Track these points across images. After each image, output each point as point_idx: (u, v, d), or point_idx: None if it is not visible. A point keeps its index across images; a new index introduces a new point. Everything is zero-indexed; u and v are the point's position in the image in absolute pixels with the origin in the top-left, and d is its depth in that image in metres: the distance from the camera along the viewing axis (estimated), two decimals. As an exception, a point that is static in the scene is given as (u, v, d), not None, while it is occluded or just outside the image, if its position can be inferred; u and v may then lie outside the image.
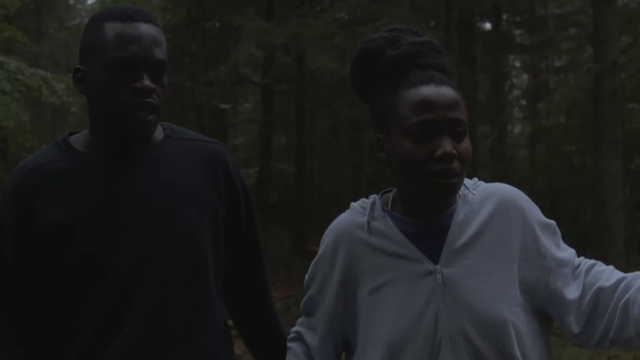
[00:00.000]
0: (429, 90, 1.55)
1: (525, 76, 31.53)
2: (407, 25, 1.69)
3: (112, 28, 1.64)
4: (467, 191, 1.65)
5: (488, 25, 24.42)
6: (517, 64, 30.70)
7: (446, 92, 1.57)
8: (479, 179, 1.77)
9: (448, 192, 1.55)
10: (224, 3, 12.23)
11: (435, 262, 1.57)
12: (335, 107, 14.13)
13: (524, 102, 30.07)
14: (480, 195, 1.65)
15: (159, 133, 1.79)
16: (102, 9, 1.77)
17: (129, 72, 1.63)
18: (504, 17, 23.42)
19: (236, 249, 1.86)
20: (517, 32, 25.04)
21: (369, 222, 1.63)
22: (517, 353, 1.53)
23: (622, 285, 1.54)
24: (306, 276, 1.71)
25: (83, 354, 1.63)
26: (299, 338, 1.75)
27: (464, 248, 1.58)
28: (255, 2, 13.11)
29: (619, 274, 1.58)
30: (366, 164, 18.75)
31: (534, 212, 1.65)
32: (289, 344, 1.75)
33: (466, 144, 1.57)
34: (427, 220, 1.62)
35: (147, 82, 1.63)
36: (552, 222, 1.67)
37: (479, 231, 1.60)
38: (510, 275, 1.57)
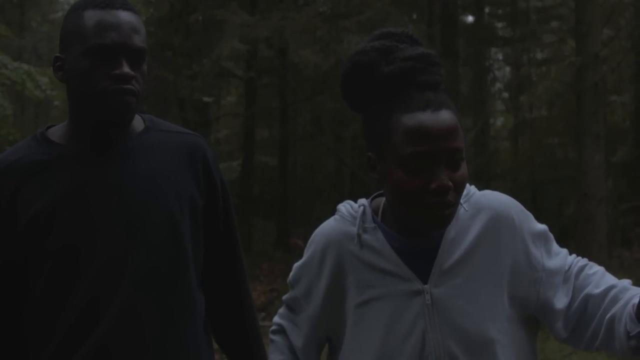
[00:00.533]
0: (426, 118, 1.49)
1: (508, 69, 31.75)
2: (401, 28, 1.62)
3: (91, 15, 1.65)
4: (465, 210, 1.63)
5: (470, 18, 24.53)
6: (500, 57, 30.92)
7: (444, 118, 1.51)
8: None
9: (443, 223, 1.54)
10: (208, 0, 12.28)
11: (425, 281, 1.57)
12: (318, 101, 14.14)
13: (506, 94, 30.26)
14: (472, 210, 1.62)
15: (139, 124, 1.80)
16: (79, 1, 1.76)
17: (108, 58, 1.63)
18: (487, 10, 23.55)
19: (213, 244, 1.86)
20: (499, 25, 25.18)
21: (359, 235, 1.62)
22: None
23: (610, 295, 1.54)
24: (290, 276, 1.72)
25: (67, 342, 1.64)
26: (283, 332, 1.76)
27: (453, 268, 1.58)
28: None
29: (608, 280, 1.58)
30: (349, 157, 18.77)
31: (526, 223, 1.65)
32: (272, 337, 1.76)
33: (462, 170, 1.53)
34: (418, 239, 1.61)
35: (126, 69, 1.63)
36: (544, 228, 1.66)
37: (469, 250, 1.60)
38: (499, 292, 1.59)
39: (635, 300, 1.42)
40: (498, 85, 30.92)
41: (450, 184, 1.48)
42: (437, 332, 1.54)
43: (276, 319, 1.78)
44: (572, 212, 16.05)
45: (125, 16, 1.68)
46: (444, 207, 1.49)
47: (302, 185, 19.47)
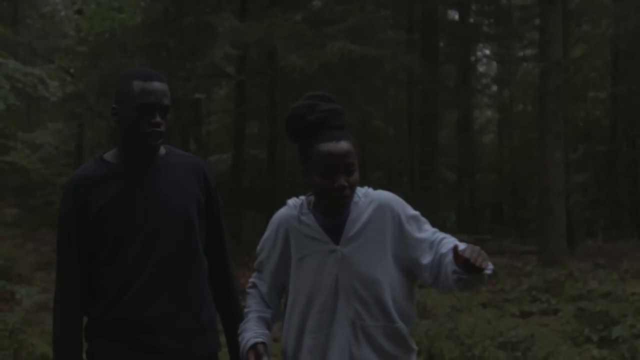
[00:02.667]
0: (332, 146, 2.45)
1: (494, 64, 32.50)
2: (323, 93, 2.64)
3: (138, 84, 2.66)
4: (358, 198, 2.62)
5: (454, 15, 25.09)
6: (487, 52, 31.66)
7: (342, 146, 2.45)
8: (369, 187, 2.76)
9: (342, 206, 2.52)
10: (200, 4, 13.09)
11: (337, 244, 2.55)
12: (305, 100, 14.99)
13: (491, 89, 31.02)
14: (367, 201, 2.59)
15: (162, 151, 2.82)
16: (130, 70, 2.78)
17: (148, 112, 2.65)
18: (473, 7, 24.08)
19: (209, 226, 2.87)
20: (485, 21, 25.63)
21: (299, 216, 2.61)
22: (388, 298, 2.57)
23: (450, 252, 2.55)
24: (258, 247, 2.74)
25: (118, 297, 2.65)
26: (255, 286, 2.76)
27: (354, 236, 2.55)
28: (230, 0, 13.98)
29: (451, 244, 2.59)
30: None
31: (402, 209, 2.61)
32: (248, 290, 2.79)
33: (355, 176, 2.49)
34: (332, 218, 2.62)
35: (158, 119, 2.66)
36: (416, 213, 2.68)
37: (364, 225, 2.56)
38: (384, 251, 2.55)
39: (455, 248, 2.38)
40: (484, 80, 31.67)
41: (346, 184, 2.46)
42: (345, 274, 2.56)
43: (250, 280, 2.81)
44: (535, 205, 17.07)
45: (158, 85, 2.66)
46: (343, 197, 2.49)
47: (290, 178, 20.40)
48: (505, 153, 29.57)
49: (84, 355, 2.67)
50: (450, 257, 2.45)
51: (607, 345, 7.05)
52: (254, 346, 2.51)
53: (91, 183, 2.69)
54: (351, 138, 2.53)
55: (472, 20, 24.58)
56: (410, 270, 2.62)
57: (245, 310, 2.72)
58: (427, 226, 2.67)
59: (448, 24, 22.35)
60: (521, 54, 26.86)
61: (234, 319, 2.82)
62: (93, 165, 2.76)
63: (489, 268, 2.36)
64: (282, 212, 2.69)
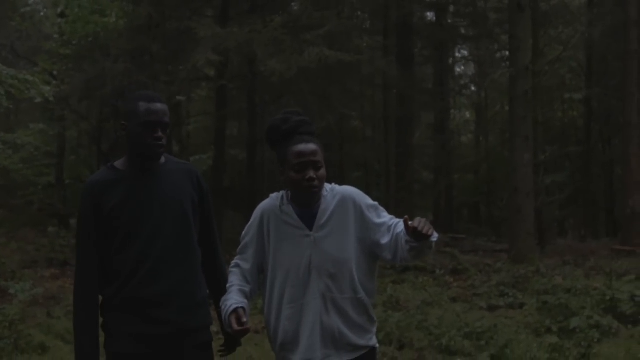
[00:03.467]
0: (302, 147, 3.04)
1: (473, 65, 33.15)
2: (296, 109, 3.28)
3: (143, 105, 3.26)
4: (326, 193, 3.22)
5: (432, 17, 25.66)
6: (465, 53, 32.29)
7: (311, 147, 3.04)
8: (335, 183, 3.36)
9: (313, 195, 3.13)
10: (182, 9, 13.61)
11: (310, 230, 3.11)
12: (283, 103, 15.72)
13: (470, 90, 31.71)
14: (333, 195, 3.22)
15: (162, 159, 3.42)
16: (136, 93, 3.38)
17: (151, 128, 3.25)
18: (451, 9, 24.64)
19: (202, 221, 3.48)
20: (463, 23, 26.14)
21: (280, 207, 3.23)
22: (353, 275, 3.17)
23: (403, 231, 3.16)
24: (243, 232, 3.34)
25: (128, 280, 3.24)
26: (238, 265, 3.35)
27: (324, 224, 3.11)
28: (211, 6, 14.50)
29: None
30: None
31: (363, 200, 3.20)
32: (231, 269, 3.38)
33: (322, 171, 3.07)
34: (306, 209, 3.21)
35: (160, 134, 3.26)
36: (375, 203, 3.28)
37: (332, 214, 3.12)
38: (349, 235, 3.17)
39: (406, 219, 2.95)
40: (463, 81, 32.33)
41: (315, 176, 3.03)
42: (317, 255, 3.14)
43: (233, 261, 3.40)
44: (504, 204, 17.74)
45: (160, 106, 3.27)
46: (313, 187, 3.04)
47: (270, 178, 20.96)
48: (482, 154, 30.24)
49: (100, 328, 3.26)
50: (403, 231, 3.05)
51: (566, 335, 7.67)
52: (235, 310, 3.08)
53: (104, 186, 3.27)
54: (318, 142, 3.14)
55: (449, 21, 25.16)
56: (372, 251, 3.21)
57: (228, 285, 3.30)
58: (385, 213, 3.26)
59: (424, 27, 22.95)
60: (498, 55, 27.47)
61: (222, 296, 3.42)
62: (105, 172, 3.35)
63: (435, 236, 2.92)
64: (265, 203, 3.29)
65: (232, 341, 3.51)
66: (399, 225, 3.12)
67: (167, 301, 3.22)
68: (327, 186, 3.22)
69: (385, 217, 3.21)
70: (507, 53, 25.62)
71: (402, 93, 16.52)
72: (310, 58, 11.92)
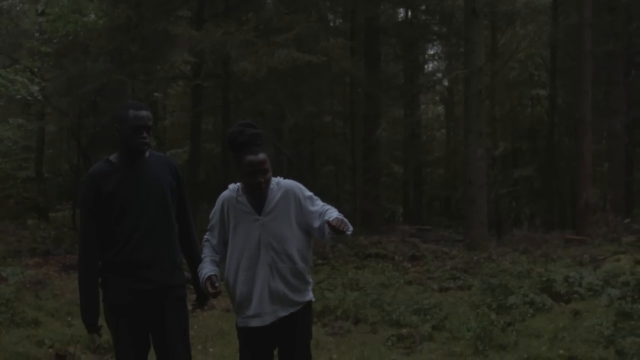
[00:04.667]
0: (252, 157, 3.92)
1: (445, 62, 34.09)
2: (249, 121, 4.29)
3: (132, 112, 4.26)
4: (273, 186, 4.20)
5: (403, 14, 26.52)
6: (436, 50, 33.26)
7: (260, 157, 3.93)
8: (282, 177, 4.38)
9: (261, 191, 4.12)
10: (159, 11, 14.51)
11: (260, 215, 4.07)
12: (255, 100, 16.72)
13: (441, 86, 32.69)
14: (278, 187, 4.21)
15: (146, 154, 4.41)
16: (127, 103, 4.39)
17: (138, 130, 4.25)
18: (422, 7, 25.51)
19: (178, 203, 4.50)
20: (434, 20, 26.99)
21: (236, 197, 4.23)
22: (292, 249, 4.17)
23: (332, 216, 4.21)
24: (210, 215, 4.33)
25: (122, 247, 4.24)
26: (208, 240, 4.36)
27: (270, 210, 4.03)
28: (187, 7, 15.38)
29: (331, 213, 4.24)
30: (286, 147, 21.31)
31: (300, 192, 4.21)
32: (204, 243, 4.39)
33: (268, 175, 3.98)
34: (257, 199, 4.19)
35: (145, 135, 4.26)
36: (311, 194, 4.29)
37: (276, 203, 4.05)
38: (290, 219, 4.15)
39: (330, 216, 4.04)
40: (434, 77, 33.30)
41: (262, 180, 4.02)
42: (264, 234, 4.15)
43: (204, 237, 4.41)
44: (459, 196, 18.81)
45: (145, 113, 4.27)
46: (260, 188, 4.08)
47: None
48: (452, 148, 31.26)
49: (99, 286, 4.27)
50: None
51: (503, 311, 8.73)
52: (209, 277, 4.11)
53: (102, 175, 4.27)
54: (267, 150, 4.12)
55: (423, 18, 25.98)
56: (307, 231, 4.23)
57: (202, 256, 4.31)
58: (319, 202, 4.27)
59: (393, 26, 23.88)
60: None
61: (194, 262, 4.43)
62: (102, 164, 4.35)
63: (349, 230, 3.98)
64: (225, 193, 4.29)
65: (203, 297, 4.52)
66: (329, 211, 4.14)
67: (152, 264, 4.22)
68: (274, 180, 4.22)
69: (318, 206, 4.22)
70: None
71: (368, 91, 17.57)
72: (280, 59, 12.93)
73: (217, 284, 4.08)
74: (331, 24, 18.30)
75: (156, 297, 4.23)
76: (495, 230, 17.37)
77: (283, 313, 4.14)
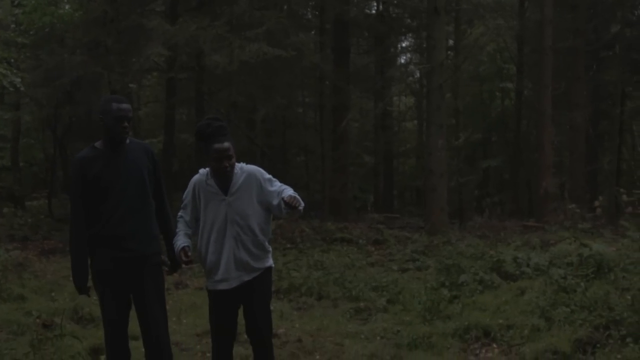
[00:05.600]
0: (218, 146, 4.70)
1: (417, 55, 34.87)
2: (215, 115, 5.06)
3: (114, 105, 4.99)
4: (237, 170, 4.95)
5: (376, 7, 27.21)
6: (407, 43, 34.05)
7: (225, 145, 4.70)
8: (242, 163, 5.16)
9: (226, 176, 4.88)
10: (134, 5, 15.18)
11: (226, 195, 4.86)
12: (228, 92, 17.47)
13: (413, 78, 33.48)
14: (242, 172, 4.97)
15: (127, 141, 5.16)
16: (110, 96, 5.15)
17: (120, 121, 4.99)
18: (394, 1, 26.21)
19: (154, 184, 5.24)
20: (404, 14, 27.72)
21: (206, 180, 4.99)
22: (254, 224, 4.95)
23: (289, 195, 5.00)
24: (183, 196, 5.10)
25: (106, 222, 4.99)
26: (182, 217, 5.13)
27: (235, 192, 4.82)
28: (162, 2, 16.04)
29: (287, 192, 5.02)
30: (259, 138, 22.03)
31: (261, 175, 4.98)
32: (178, 219, 5.15)
33: (232, 160, 4.76)
34: (223, 182, 4.95)
35: (126, 124, 5.00)
36: (270, 176, 5.07)
37: (240, 185, 4.82)
38: (252, 199, 4.91)
39: (285, 195, 4.82)
40: (407, 69, 34.08)
41: (227, 165, 4.82)
42: (230, 212, 4.91)
43: (178, 214, 5.17)
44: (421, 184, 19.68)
45: (126, 106, 5.00)
46: (226, 172, 4.85)
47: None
48: (423, 139, 31.97)
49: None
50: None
51: (455, 288, 9.56)
52: (183, 247, 4.90)
53: (88, 160, 5.01)
54: (231, 140, 4.87)
55: (395, 11, 26.70)
56: (267, 208, 5.02)
57: (177, 230, 5.08)
58: (277, 183, 5.05)
59: (364, 19, 24.55)
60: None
61: (169, 234, 5.20)
62: (89, 150, 5.09)
63: (301, 206, 4.77)
64: (195, 177, 5.05)
65: (176, 265, 5.28)
66: (285, 190, 4.93)
67: (132, 236, 4.98)
68: (238, 165, 5.00)
69: (276, 186, 5.01)
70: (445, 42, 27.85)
71: (337, 85, 18.37)
72: (251, 53, 13.68)
73: (189, 254, 4.88)
74: (302, 19, 19.02)
75: (135, 264, 4.99)
76: (458, 217, 18.23)
77: (247, 278, 4.94)
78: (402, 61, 34.14)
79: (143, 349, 5.17)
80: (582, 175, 21.86)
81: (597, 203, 15.76)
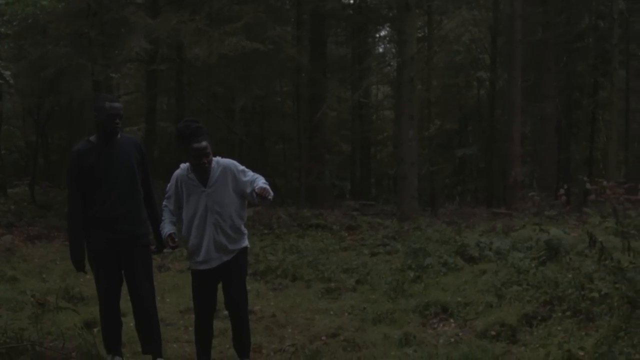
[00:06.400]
0: (197, 145, 5.45)
1: (395, 45, 35.53)
2: (192, 117, 5.75)
3: (108, 104, 5.68)
4: (214, 165, 5.65)
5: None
6: (387, 32, 34.69)
7: (202, 144, 5.46)
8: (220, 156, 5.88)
9: (205, 171, 5.59)
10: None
11: (205, 187, 5.61)
12: (208, 83, 18.14)
13: (390, 67, 34.14)
14: (218, 166, 5.67)
15: (118, 135, 5.85)
16: (103, 95, 5.84)
17: (112, 117, 5.68)
18: None
19: (142, 174, 5.94)
20: (381, 5, 28.34)
21: (187, 174, 5.68)
22: (231, 211, 5.67)
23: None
24: (167, 188, 5.79)
25: (100, 207, 5.67)
26: (167, 206, 5.83)
27: (213, 184, 5.57)
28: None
29: (259, 181, 5.74)
30: (237, 127, 22.68)
31: (235, 167, 5.70)
32: (163, 208, 5.85)
33: (209, 157, 5.51)
34: (202, 175, 5.65)
35: (117, 121, 5.69)
36: (243, 167, 5.79)
37: (217, 178, 5.56)
38: (228, 190, 5.62)
39: (257, 185, 5.56)
40: (386, 58, 34.70)
41: (205, 161, 5.54)
42: (210, 202, 5.62)
43: (163, 203, 5.87)
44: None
45: (117, 104, 5.69)
46: (204, 167, 5.57)
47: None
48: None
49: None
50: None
51: (420, 270, 10.31)
52: (170, 234, 5.62)
53: (84, 152, 5.69)
54: (208, 139, 5.57)
55: (370, 2, 27.32)
56: (242, 195, 5.74)
57: (163, 218, 5.79)
58: (249, 173, 5.77)
59: (341, 10, 25.20)
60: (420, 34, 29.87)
61: (155, 217, 5.90)
62: (84, 143, 5.77)
63: (271, 195, 5.50)
64: (178, 172, 5.75)
65: (161, 246, 5.98)
66: (257, 180, 5.68)
67: (124, 219, 5.69)
68: (214, 160, 5.72)
69: (249, 176, 5.74)
70: (421, 32, 28.46)
71: (313, 76, 19.08)
72: (230, 47, 14.36)
73: (175, 239, 5.62)
74: (280, 12, 19.66)
75: (127, 244, 5.70)
76: (430, 204, 19.01)
77: (225, 258, 5.69)
78: (380, 50, 35.07)
79: (133, 324, 5.89)
80: (551, 164, 22.72)
81: (562, 191, 16.54)
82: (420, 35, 27.10)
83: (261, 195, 5.43)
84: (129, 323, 6.33)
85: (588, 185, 16.94)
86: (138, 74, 26.01)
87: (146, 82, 19.68)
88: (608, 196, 13.93)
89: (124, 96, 27.42)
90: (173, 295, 9.08)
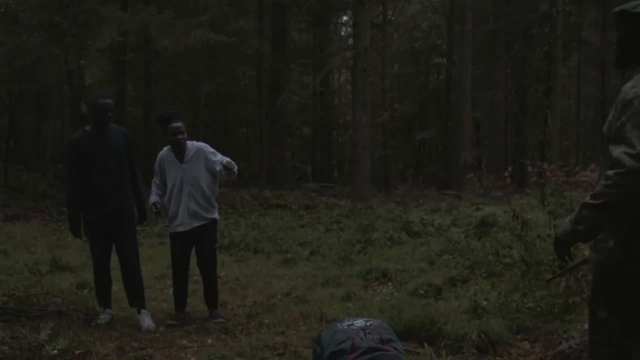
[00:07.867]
0: (174, 125, 6.93)
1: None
2: (170, 107, 7.16)
3: (102, 100, 7.00)
4: (190, 145, 7.01)
5: None
6: (346, 18, 35.94)
7: (179, 125, 6.97)
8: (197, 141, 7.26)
9: (181, 147, 6.99)
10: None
11: (182, 163, 7.04)
12: (174, 71, 19.43)
13: (349, 54, 35.42)
14: (192, 146, 7.04)
15: (110, 126, 7.18)
16: (98, 93, 7.20)
17: (105, 112, 7.00)
18: None
19: (128, 160, 7.27)
20: None
21: (167, 154, 7.05)
22: (203, 184, 7.03)
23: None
24: (154, 166, 7.17)
25: (93, 185, 7.01)
26: (155, 182, 7.18)
27: (188, 160, 6.96)
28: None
29: (227, 159, 7.15)
30: (202, 112, 23.95)
31: (207, 149, 7.07)
32: (152, 183, 7.22)
33: (184, 135, 6.99)
34: (179, 153, 7.03)
35: (109, 115, 7.02)
36: (214, 150, 7.18)
37: (191, 157, 6.97)
38: (200, 166, 6.97)
39: (223, 160, 6.97)
40: (349, 43, 35.88)
41: (181, 138, 6.96)
42: (185, 176, 6.98)
43: (153, 179, 7.25)
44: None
45: (109, 101, 6.99)
46: (180, 144, 6.98)
47: (162, 135, 24.40)
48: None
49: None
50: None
51: (367, 243, 11.74)
52: (154, 202, 7.00)
53: (80, 140, 7.01)
54: (183, 121, 6.96)
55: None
56: (212, 172, 7.10)
57: (151, 190, 7.16)
58: (218, 154, 7.13)
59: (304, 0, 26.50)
60: (375, 21, 31.11)
61: (138, 194, 7.24)
62: (81, 132, 7.09)
63: (235, 168, 6.92)
64: (161, 152, 7.11)
65: (144, 217, 7.35)
66: (224, 160, 7.03)
67: (112, 195, 7.01)
68: (190, 142, 7.09)
69: (218, 157, 7.09)
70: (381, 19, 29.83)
71: (274, 65, 20.45)
72: (196, 39, 15.66)
73: (158, 206, 7.00)
74: (243, 5, 20.91)
75: (115, 216, 7.03)
76: (384, 185, 20.47)
77: (197, 224, 7.04)
78: (343, 34, 36.30)
79: (119, 287, 7.26)
80: (500, 148, 24.31)
81: (506, 173, 18.11)
82: (378, 22, 28.73)
83: (227, 167, 6.79)
84: (115, 287, 7.68)
85: (529, 169, 18.63)
86: (104, 60, 27.08)
87: (116, 71, 20.86)
88: (549, 178, 15.56)
89: (91, 82, 28.50)
90: (149, 265, 10.39)
